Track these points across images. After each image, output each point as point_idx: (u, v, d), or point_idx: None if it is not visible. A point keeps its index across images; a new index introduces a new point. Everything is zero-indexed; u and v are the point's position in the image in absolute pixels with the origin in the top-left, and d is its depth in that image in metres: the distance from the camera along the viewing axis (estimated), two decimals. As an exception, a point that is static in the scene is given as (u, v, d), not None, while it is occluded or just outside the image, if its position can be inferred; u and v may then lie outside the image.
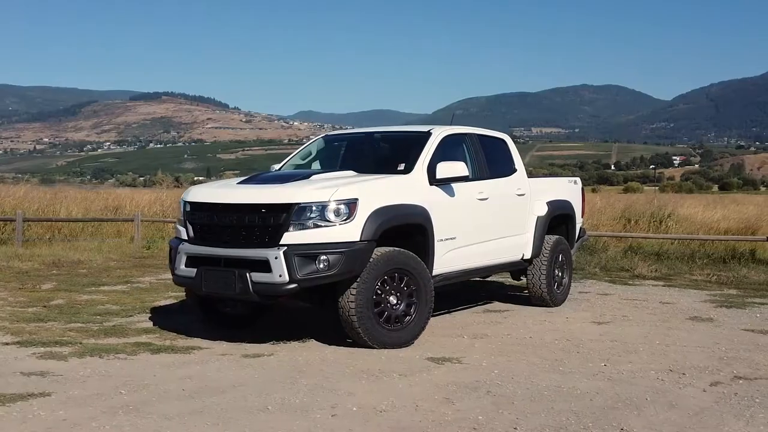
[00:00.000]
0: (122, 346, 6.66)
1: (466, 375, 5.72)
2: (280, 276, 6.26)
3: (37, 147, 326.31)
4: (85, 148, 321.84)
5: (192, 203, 6.97)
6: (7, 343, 6.67)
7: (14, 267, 12.46)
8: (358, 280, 6.47)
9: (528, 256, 8.95)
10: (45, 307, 8.78)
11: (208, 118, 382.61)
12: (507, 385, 5.40)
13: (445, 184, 7.45)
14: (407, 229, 6.98)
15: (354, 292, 6.48)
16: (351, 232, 6.40)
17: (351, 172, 7.27)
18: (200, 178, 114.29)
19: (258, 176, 7.49)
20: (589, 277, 12.48)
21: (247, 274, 6.35)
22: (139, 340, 6.97)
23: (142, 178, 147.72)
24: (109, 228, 19.02)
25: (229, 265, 6.52)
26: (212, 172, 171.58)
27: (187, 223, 6.94)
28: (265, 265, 6.32)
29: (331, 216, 6.38)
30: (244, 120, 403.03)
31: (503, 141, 9.10)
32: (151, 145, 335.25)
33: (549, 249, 9.21)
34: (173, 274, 7.04)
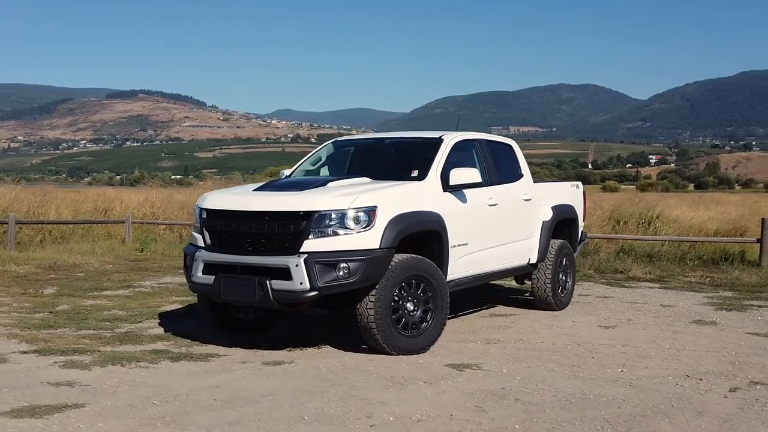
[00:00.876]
0: (141, 353, 6.65)
1: (490, 382, 5.78)
2: (301, 283, 6.29)
3: (12, 145, 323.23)
4: (60, 146, 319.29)
5: (209, 210, 6.97)
6: (25, 352, 6.65)
7: (11, 271, 12.37)
8: (377, 287, 6.51)
9: (534, 260, 9.03)
10: (52, 312, 8.74)
11: (186, 117, 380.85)
12: (533, 393, 5.46)
13: (457, 190, 7.52)
14: (423, 236, 7.03)
15: (373, 299, 6.51)
16: (371, 239, 6.43)
17: (365, 179, 7.30)
18: (178, 176, 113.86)
19: (274, 183, 7.48)
20: (585, 279, 12.59)
21: (267, 282, 6.37)
22: (155, 347, 6.96)
23: (118, 177, 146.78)
24: (99, 230, 18.92)
25: (248, 272, 6.53)
26: (189, 171, 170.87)
27: (204, 230, 6.93)
28: (285, 273, 6.34)
29: (350, 223, 6.41)
30: (221, 118, 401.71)
31: (510, 146, 9.18)
32: (128, 143, 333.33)
33: (554, 253, 9.30)
34: (189, 281, 7.02)
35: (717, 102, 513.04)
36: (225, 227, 6.78)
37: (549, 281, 9.24)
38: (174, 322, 8.27)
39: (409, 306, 6.79)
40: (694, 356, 6.94)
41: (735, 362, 6.73)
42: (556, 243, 9.41)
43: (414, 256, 6.81)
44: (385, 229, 6.50)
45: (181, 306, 9.37)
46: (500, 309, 9.54)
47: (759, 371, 6.40)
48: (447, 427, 4.61)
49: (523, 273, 9.22)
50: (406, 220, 6.70)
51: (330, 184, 6.98)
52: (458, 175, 7.42)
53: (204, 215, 6.99)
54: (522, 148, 9.56)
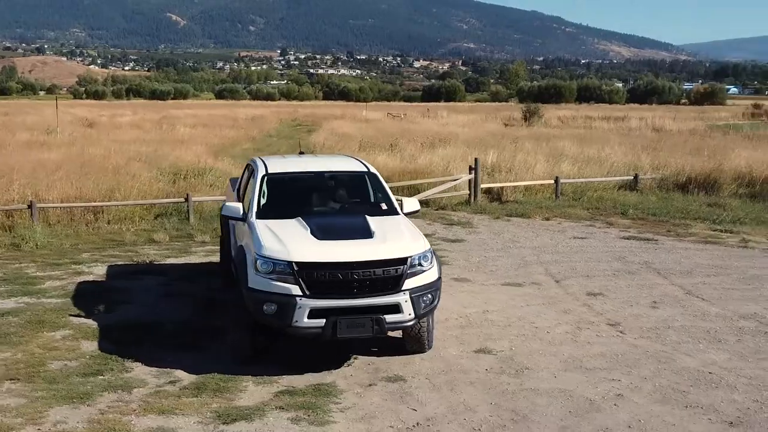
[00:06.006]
0: (298, 402, 7.34)
1: (556, 362, 8.58)
2: (409, 314, 8.02)
3: None
4: None
5: (301, 263, 7.84)
6: (201, 422, 6.85)
7: None
8: (431, 305, 8.53)
9: None
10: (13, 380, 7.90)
11: None
12: (614, 373, 8.39)
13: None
14: None
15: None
16: (434, 272, 8.41)
17: (375, 217, 8.89)
18: None
19: (327, 228, 8.39)
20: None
21: (383, 317, 7.92)
22: (278, 390, 7.65)
23: None
24: None
25: (362, 312, 7.90)
26: None
27: (300, 280, 7.85)
28: (396, 308, 7.96)
29: (424, 263, 8.29)
30: None
31: None
32: None
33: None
34: (290, 326, 7.86)
35: (4, 1, 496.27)
36: (329, 276, 7.81)
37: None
38: (177, 361, 8.44)
39: (429, 312, 8.92)
40: (537, 314, 10.62)
41: (564, 311, 10.64)
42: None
43: (436, 277, 8.89)
44: (437, 263, 8.57)
45: (82, 344, 9.13)
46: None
47: (596, 315, 10.44)
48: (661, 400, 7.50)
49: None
50: (434, 254, 8.79)
51: (372, 226, 8.49)
52: (410, 205, 9.59)
53: (296, 267, 7.85)
54: None
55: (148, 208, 17.93)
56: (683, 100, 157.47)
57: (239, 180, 11.10)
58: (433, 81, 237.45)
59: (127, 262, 13.57)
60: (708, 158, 26.62)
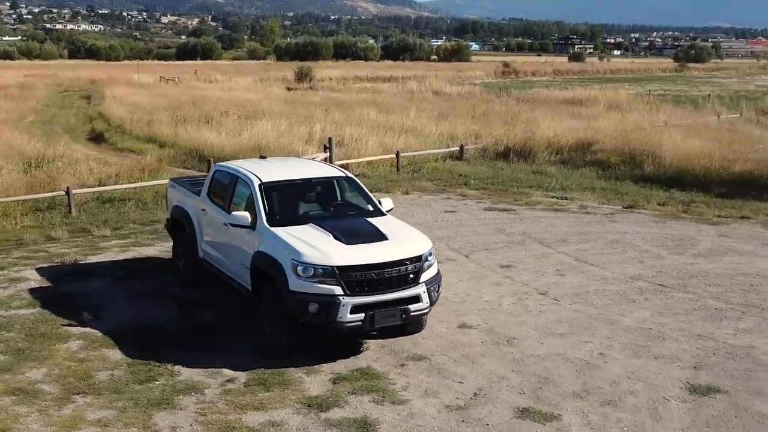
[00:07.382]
0: (369, 385, 8.59)
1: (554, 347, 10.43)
2: (426, 303, 9.47)
3: None
4: None
5: (341, 266, 8.96)
6: (298, 413, 7.85)
7: None
8: (430, 293, 10.02)
9: None
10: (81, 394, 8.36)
11: None
12: (582, 336, 10.42)
13: None
14: None
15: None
16: (436, 266, 9.93)
17: (373, 219, 10.15)
18: None
19: (349, 232, 9.44)
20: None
21: (408, 307, 9.33)
22: (321, 380, 8.71)
23: None
24: None
25: (393, 304, 9.23)
26: None
27: (341, 281, 9.00)
28: (417, 299, 9.36)
29: (430, 258, 9.75)
30: None
31: None
32: None
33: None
34: (334, 322, 9.00)
35: None
36: (364, 276, 9.01)
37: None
38: (214, 361, 9.20)
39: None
40: (463, 286, 12.49)
41: (503, 286, 12.60)
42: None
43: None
44: (435, 257, 10.07)
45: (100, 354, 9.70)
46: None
47: (524, 286, 12.45)
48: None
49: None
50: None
51: (383, 230, 9.74)
52: (388, 204, 10.93)
53: (337, 271, 8.98)
54: None
55: (22, 202, 17.56)
56: (433, 57, 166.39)
57: (206, 185, 11.72)
58: (185, 38, 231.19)
59: (50, 264, 13.59)
60: (511, 125, 29.95)
